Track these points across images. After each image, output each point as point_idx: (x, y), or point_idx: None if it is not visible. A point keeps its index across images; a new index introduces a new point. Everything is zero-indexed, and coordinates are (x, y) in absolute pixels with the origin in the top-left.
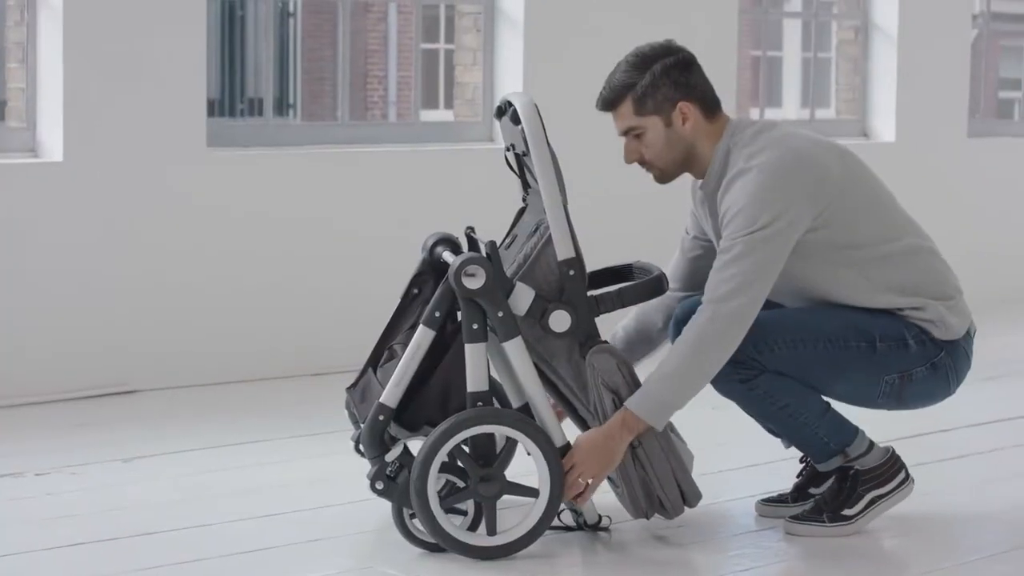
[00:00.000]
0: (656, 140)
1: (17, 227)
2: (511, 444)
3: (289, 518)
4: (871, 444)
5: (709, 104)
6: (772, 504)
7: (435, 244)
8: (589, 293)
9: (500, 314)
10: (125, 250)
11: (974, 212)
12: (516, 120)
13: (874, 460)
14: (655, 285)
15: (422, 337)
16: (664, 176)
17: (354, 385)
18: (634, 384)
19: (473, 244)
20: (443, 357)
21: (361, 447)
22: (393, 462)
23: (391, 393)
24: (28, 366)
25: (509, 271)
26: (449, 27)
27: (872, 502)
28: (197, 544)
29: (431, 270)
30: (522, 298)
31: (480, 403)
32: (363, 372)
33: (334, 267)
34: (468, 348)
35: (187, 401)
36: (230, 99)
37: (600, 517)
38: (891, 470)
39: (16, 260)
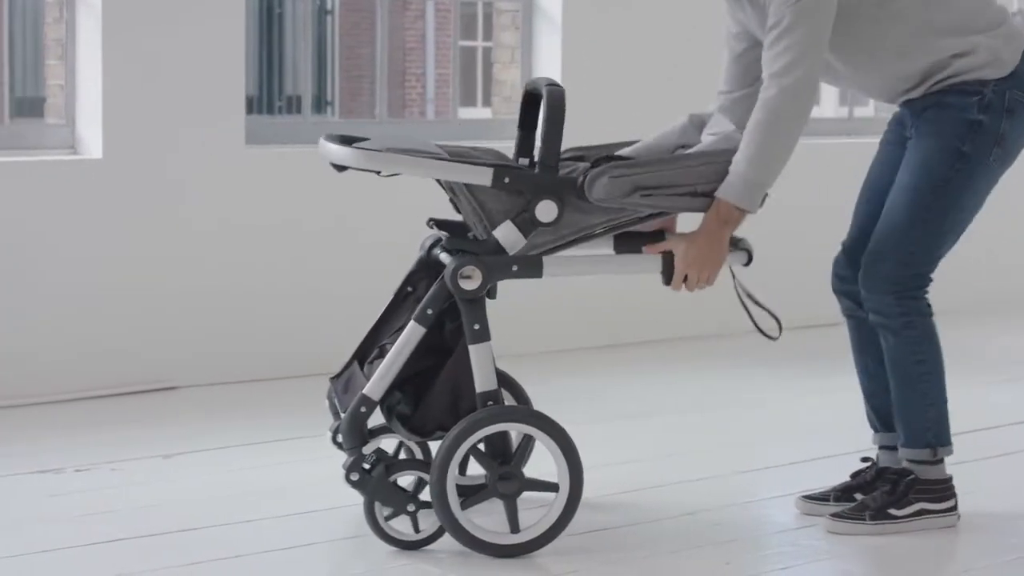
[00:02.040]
0: None
1: (57, 223)
2: (527, 441)
3: (329, 515)
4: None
5: None
6: (814, 501)
7: (433, 244)
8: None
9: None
10: (165, 247)
11: None
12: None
13: (936, 474)
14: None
15: (412, 333)
16: None
17: (338, 376)
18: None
19: (453, 234)
20: (447, 360)
21: (339, 438)
22: (370, 455)
23: (375, 386)
24: (68, 362)
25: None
26: (487, 24)
27: (920, 512)
28: (237, 541)
29: (426, 268)
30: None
31: (491, 402)
32: (348, 364)
33: (375, 265)
34: (473, 349)
35: (228, 398)
36: (268, 96)
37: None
38: (946, 491)
39: (56, 256)
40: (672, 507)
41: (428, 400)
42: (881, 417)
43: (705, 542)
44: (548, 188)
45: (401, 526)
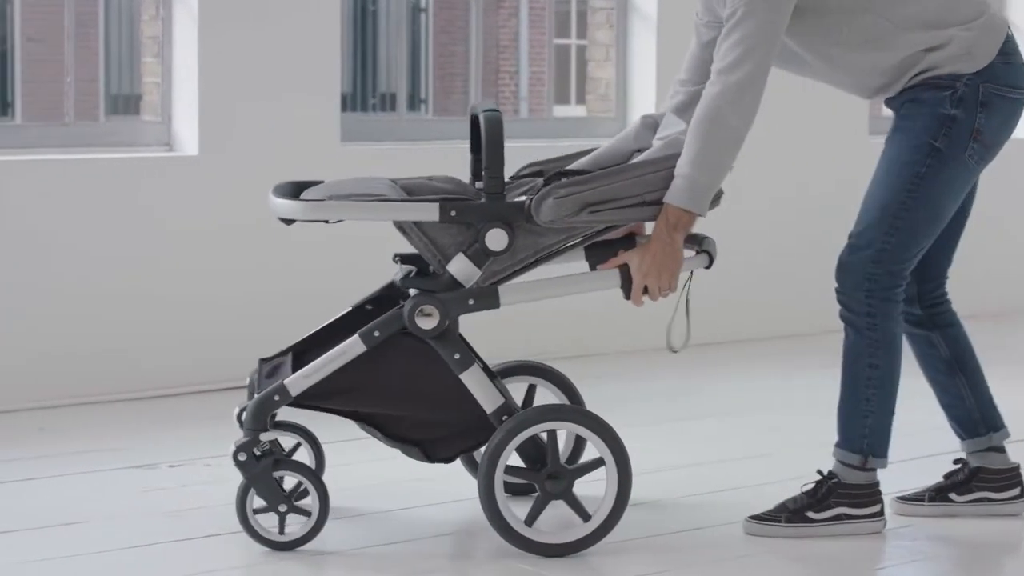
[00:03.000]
0: None
1: (152, 220)
2: (553, 436)
3: (422, 512)
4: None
5: None
6: (909, 502)
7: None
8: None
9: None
10: (258, 243)
11: None
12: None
13: (861, 479)
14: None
15: (352, 347)
16: None
17: (268, 360)
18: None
19: (419, 269)
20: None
21: (242, 417)
22: (264, 443)
23: (297, 382)
24: (162, 358)
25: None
26: (581, 22)
27: (839, 517)
28: (331, 536)
29: (391, 293)
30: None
31: (505, 416)
32: (283, 353)
33: None
34: (464, 378)
35: None
36: (362, 94)
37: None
38: (870, 497)
39: (151, 252)
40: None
41: (438, 432)
42: (963, 426)
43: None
44: (495, 216)
45: (267, 523)
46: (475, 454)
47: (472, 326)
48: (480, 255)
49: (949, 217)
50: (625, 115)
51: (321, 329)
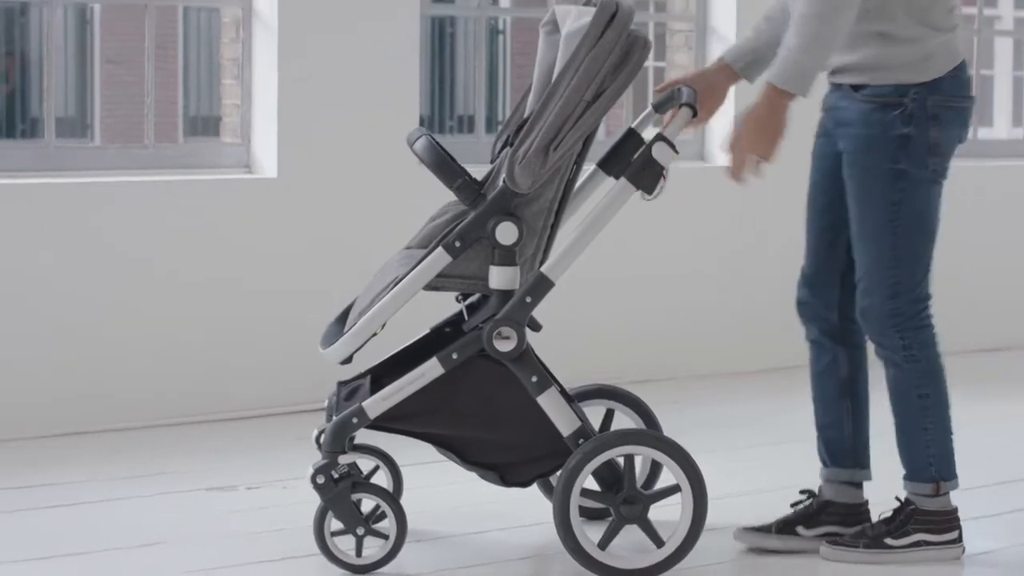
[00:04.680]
0: None
1: (232, 242)
2: (630, 461)
3: (498, 536)
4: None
5: None
6: (756, 532)
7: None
8: None
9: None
10: (338, 265)
11: None
12: None
13: (938, 505)
14: None
15: (430, 369)
16: None
17: (347, 382)
18: None
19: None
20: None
21: (321, 439)
22: (342, 466)
23: (376, 405)
24: (241, 379)
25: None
26: (659, 44)
27: (918, 544)
28: (408, 559)
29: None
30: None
31: (582, 439)
32: (362, 375)
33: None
34: (541, 400)
35: None
36: (440, 116)
37: None
38: (949, 523)
39: (231, 275)
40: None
41: (515, 456)
42: (832, 451)
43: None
44: (490, 216)
45: (344, 545)
46: (551, 478)
47: (549, 350)
48: (506, 255)
49: (938, 228)
50: (703, 135)
51: (399, 351)
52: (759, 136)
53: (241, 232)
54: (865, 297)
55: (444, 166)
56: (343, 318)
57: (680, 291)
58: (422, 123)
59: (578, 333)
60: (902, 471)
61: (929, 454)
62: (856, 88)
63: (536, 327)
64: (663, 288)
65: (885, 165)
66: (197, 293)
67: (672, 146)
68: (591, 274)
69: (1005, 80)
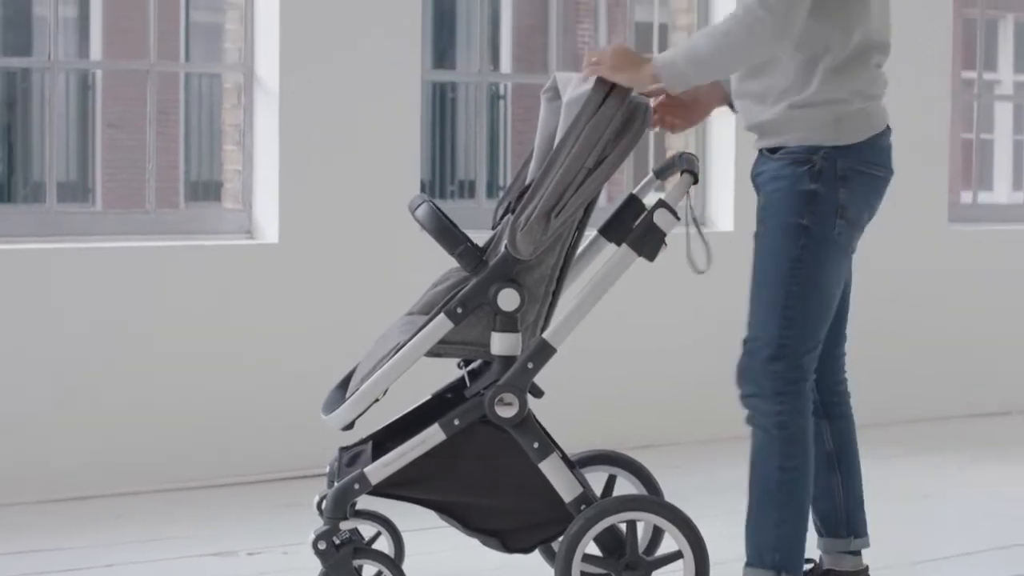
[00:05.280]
0: None
1: (234, 307)
2: (633, 527)
3: None
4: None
5: None
6: None
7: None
8: None
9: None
10: (340, 331)
11: None
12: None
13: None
14: None
15: (432, 435)
16: None
17: (348, 448)
18: None
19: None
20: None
21: (322, 505)
22: (344, 532)
23: (377, 471)
24: (242, 444)
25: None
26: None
27: None
28: None
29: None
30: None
31: (584, 505)
32: (363, 441)
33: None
34: (543, 466)
35: None
36: (441, 181)
37: None
38: None
39: (232, 340)
40: None
41: (517, 522)
42: (826, 523)
43: None
44: (491, 282)
45: None
46: (553, 544)
47: (551, 416)
48: (508, 321)
49: (837, 298)
50: (704, 202)
51: (401, 417)
52: (614, 65)
53: (243, 297)
54: (747, 355)
55: (446, 232)
56: (345, 384)
57: (681, 357)
58: (423, 188)
59: (579, 399)
60: (746, 552)
61: (777, 536)
62: (772, 151)
63: (538, 393)
64: (664, 354)
65: (790, 219)
66: (198, 358)
67: (673, 212)
68: (592, 340)
69: (1005, 144)
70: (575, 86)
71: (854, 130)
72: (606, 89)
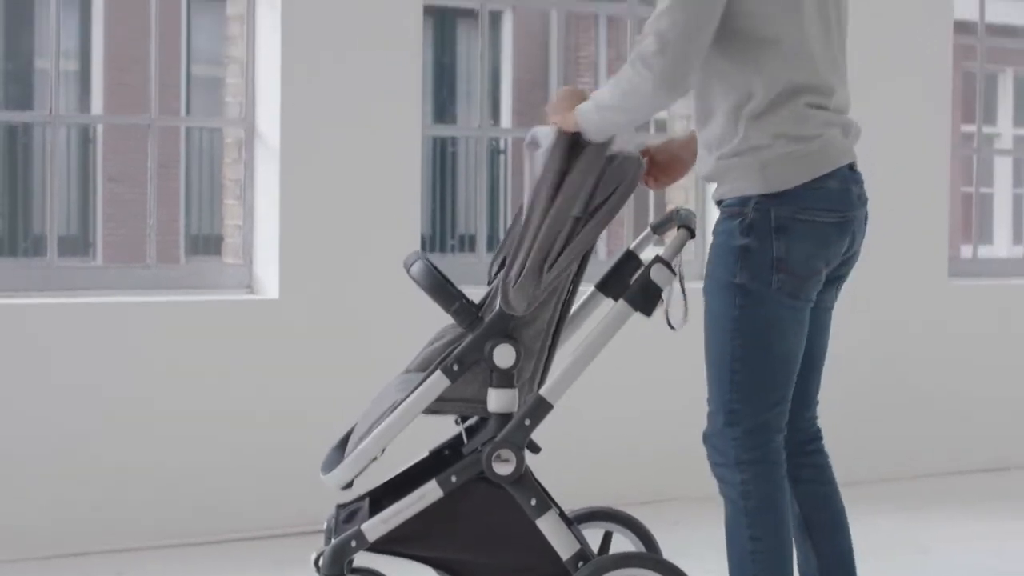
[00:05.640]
0: None
1: (234, 363)
2: None
3: None
4: None
5: None
6: None
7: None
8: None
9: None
10: (339, 388)
11: None
12: None
13: None
14: None
15: (429, 492)
16: None
17: (345, 505)
18: None
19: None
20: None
21: (320, 562)
22: None
23: (375, 528)
24: (240, 501)
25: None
26: None
27: None
28: None
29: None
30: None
31: (581, 562)
32: (360, 499)
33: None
34: (540, 523)
35: None
36: (441, 235)
37: None
38: None
39: (231, 395)
40: None
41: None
42: None
43: None
44: (487, 339)
45: None
46: None
47: (548, 472)
48: (505, 377)
49: (795, 356)
50: (704, 258)
51: (398, 475)
52: (554, 108)
53: (243, 353)
54: (708, 423)
55: (440, 290)
56: (343, 443)
57: (679, 414)
58: (423, 242)
59: (577, 455)
60: None
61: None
62: (719, 203)
63: (535, 449)
64: (661, 411)
65: (725, 277)
66: (198, 414)
67: (670, 268)
68: (590, 396)
69: (1005, 198)
70: (545, 137)
71: (784, 176)
72: (565, 136)
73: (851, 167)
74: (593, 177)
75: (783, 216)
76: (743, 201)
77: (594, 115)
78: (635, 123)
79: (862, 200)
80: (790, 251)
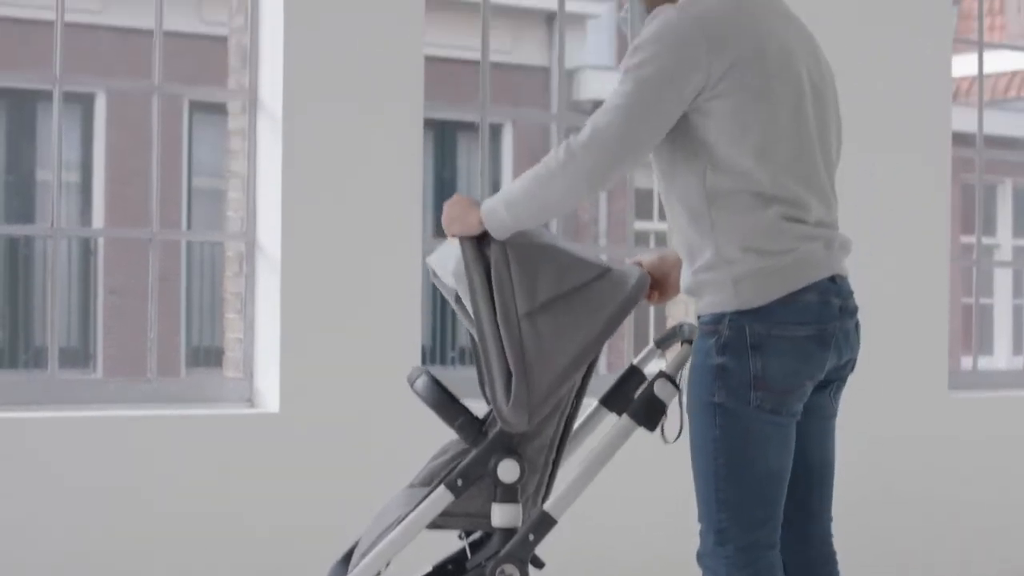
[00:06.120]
0: None
1: (234, 477)
2: None
3: None
4: None
5: None
6: None
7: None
8: None
9: None
10: (341, 502)
11: None
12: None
13: None
14: None
15: None
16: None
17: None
18: None
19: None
20: None
21: None
22: None
23: None
24: None
25: None
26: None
27: None
28: None
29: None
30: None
31: None
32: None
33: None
34: None
35: None
36: (441, 348)
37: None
38: None
39: (232, 511)
40: None
41: None
42: None
43: None
44: (490, 455)
45: None
46: None
47: None
48: (508, 492)
49: (781, 472)
50: None
51: None
52: (450, 219)
53: (243, 467)
54: (700, 540)
55: (444, 405)
56: (347, 559)
57: (679, 528)
58: (424, 354)
59: (580, 570)
60: None
61: None
62: (698, 319)
63: (539, 564)
64: (665, 525)
65: (704, 397)
66: (199, 528)
67: (674, 383)
68: (593, 511)
69: (1004, 309)
70: (444, 260)
71: (757, 291)
72: (468, 243)
73: (833, 279)
74: (518, 266)
75: (758, 332)
76: (718, 318)
77: (501, 211)
78: (546, 217)
79: (846, 311)
80: (767, 368)
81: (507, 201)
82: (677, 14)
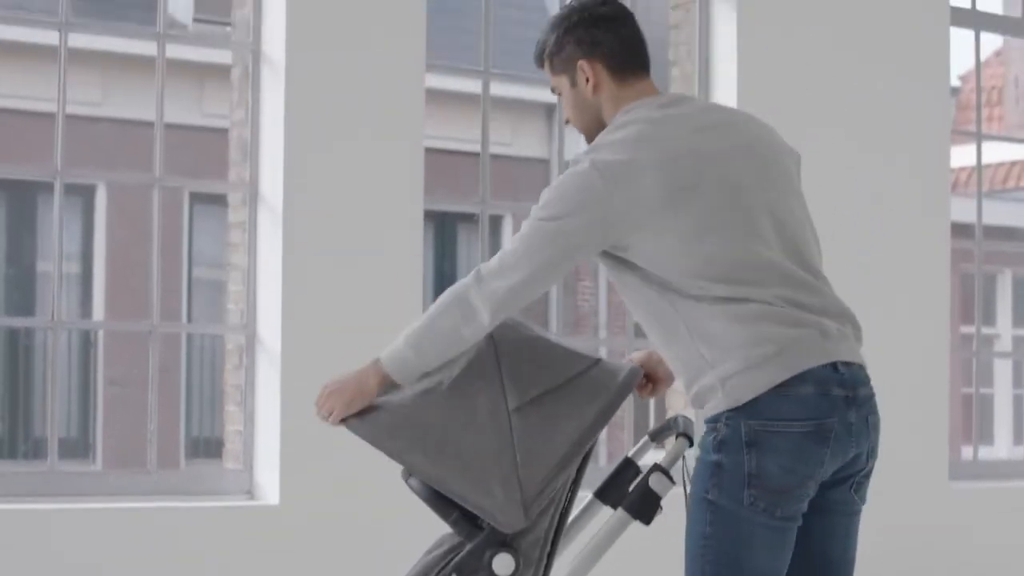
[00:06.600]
0: (567, 100)
1: (233, 570)
2: None
3: None
4: None
5: (619, 65)
6: None
7: None
8: None
9: None
10: None
11: None
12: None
13: None
14: None
15: None
16: (589, 139)
17: None
18: None
19: None
20: None
21: None
22: None
23: None
24: None
25: None
26: None
27: None
28: None
29: None
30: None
31: None
32: None
33: None
34: None
35: None
36: None
37: None
38: None
39: None
40: None
41: None
42: None
43: None
44: (484, 550)
45: None
46: None
47: None
48: None
49: (780, 573)
50: None
51: None
52: (334, 395)
53: (243, 560)
54: None
55: (439, 500)
56: None
57: None
58: None
59: None
60: None
61: None
62: (704, 422)
63: None
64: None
65: (699, 493)
66: None
67: (669, 476)
68: None
69: (1005, 399)
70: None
71: (745, 387)
72: (355, 424)
73: (835, 367)
74: (508, 360)
75: (753, 429)
76: (716, 418)
77: (407, 352)
78: (452, 350)
79: (854, 402)
80: (762, 466)
81: (409, 342)
82: (589, 163)
